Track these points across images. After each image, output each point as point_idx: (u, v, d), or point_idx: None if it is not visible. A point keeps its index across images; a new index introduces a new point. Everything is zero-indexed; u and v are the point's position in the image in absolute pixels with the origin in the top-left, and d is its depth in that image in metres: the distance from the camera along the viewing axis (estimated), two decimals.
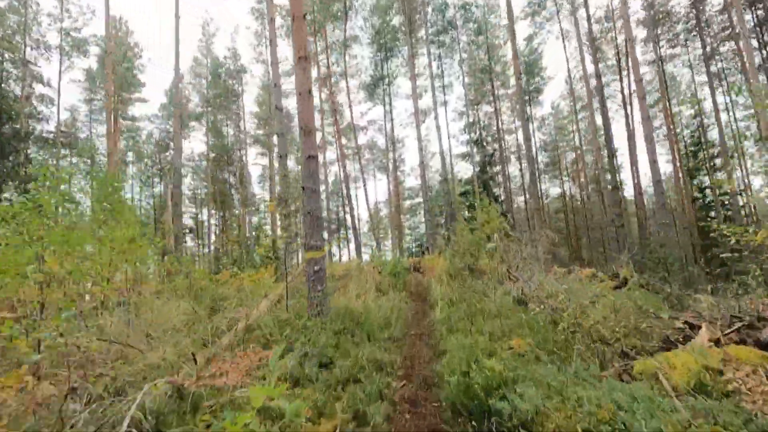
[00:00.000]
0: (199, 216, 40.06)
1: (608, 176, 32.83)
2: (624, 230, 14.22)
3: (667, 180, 42.60)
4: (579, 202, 39.52)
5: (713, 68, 23.89)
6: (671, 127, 26.98)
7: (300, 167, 5.55)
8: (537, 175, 11.39)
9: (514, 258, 8.21)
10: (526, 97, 27.49)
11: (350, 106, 23.11)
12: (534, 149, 30.28)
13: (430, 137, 33.46)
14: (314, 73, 24.34)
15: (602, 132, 15.78)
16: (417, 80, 23.64)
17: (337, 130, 22.73)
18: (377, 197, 41.95)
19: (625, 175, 46.58)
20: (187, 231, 38.25)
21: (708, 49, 22.26)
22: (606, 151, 16.02)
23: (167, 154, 35.19)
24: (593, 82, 16.75)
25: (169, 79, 28.12)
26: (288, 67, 25.09)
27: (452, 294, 7.57)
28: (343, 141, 29.71)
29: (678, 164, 27.82)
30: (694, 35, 21.50)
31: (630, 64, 22.07)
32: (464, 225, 11.78)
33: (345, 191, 23.65)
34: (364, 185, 22.76)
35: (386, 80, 25.75)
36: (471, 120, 27.15)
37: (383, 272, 9.00)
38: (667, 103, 24.04)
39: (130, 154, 36.00)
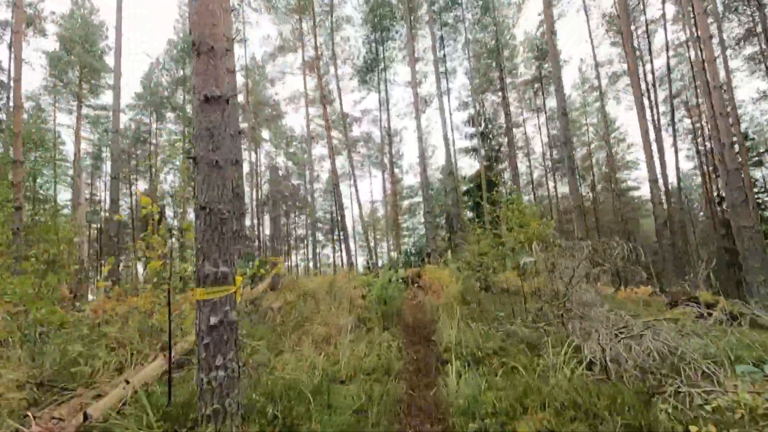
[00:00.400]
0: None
1: (620, 173, 29.97)
2: (675, 237, 11.55)
3: (684, 178, 40.00)
4: (589, 202, 36.91)
5: (748, 50, 21.30)
6: (697, 118, 24.34)
7: (194, 119, 2.62)
8: (574, 161, 8.66)
9: (562, 277, 5.49)
10: (537, 85, 24.87)
11: (339, 92, 20.38)
12: (560, 138, 27.56)
13: (431, 129, 30.81)
14: (299, 57, 21.65)
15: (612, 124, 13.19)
16: (417, 64, 20.98)
17: (326, 119, 20.00)
18: (373, 196, 39.26)
19: (637, 174, 43.89)
20: (170, 234, 35.33)
21: (746, 28, 19.66)
22: (642, 140, 13.33)
23: (146, 148, 32.40)
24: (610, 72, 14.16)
25: (145, 65, 25.41)
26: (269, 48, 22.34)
27: (472, 339, 4.83)
28: (336, 134, 27.04)
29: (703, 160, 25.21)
30: (739, 7, 18.76)
31: (666, 32, 18.88)
32: (479, 230, 9.09)
33: (335, 189, 20.93)
34: (355, 182, 20.02)
35: (382, 64, 23.07)
36: (477, 110, 24.47)
37: (369, 296, 6.27)
38: (697, 91, 21.38)
39: (104, 149, 33.22)
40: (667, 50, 14.09)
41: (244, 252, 7.34)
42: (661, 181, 20.08)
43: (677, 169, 15.75)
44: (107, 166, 35.56)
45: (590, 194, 37.03)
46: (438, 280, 9.71)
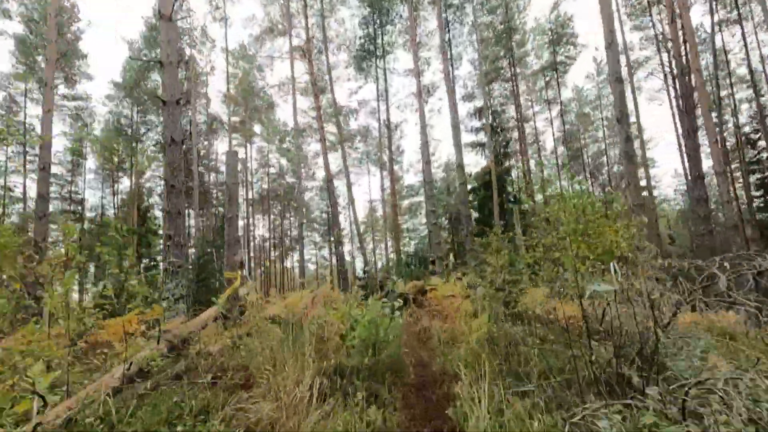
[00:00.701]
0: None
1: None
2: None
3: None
4: (601, 202, 34.86)
5: None
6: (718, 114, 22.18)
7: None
8: (632, 141, 6.67)
9: (655, 314, 3.40)
10: (549, 75, 22.73)
11: (331, 80, 18.28)
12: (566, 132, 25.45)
13: (433, 123, 28.74)
14: (286, 41, 19.54)
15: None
16: (419, 51, 18.91)
17: (318, 107, 17.90)
18: (371, 195, 37.15)
19: (654, 171, 41.95)
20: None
21: None
22: (685, 127, 11.24)
23: (128, 142, 30.22)
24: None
25: (125, 51, 23.38)
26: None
27: None
28: (331, 128, 24.98)
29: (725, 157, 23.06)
30: None
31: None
32: (498, 235, 7.03)
33: (328, 186, 18.87)
34: (349, 180, 17.91)
35: (381, 50, 20.98)
36: (484, 101, 22.35)
37: (350, 337, 4.17)
38: (731, 79, 19.25)
39: (86, 143, 31.12)
40: (713, 29, 11.86)
41: (177, 267, 5.24)
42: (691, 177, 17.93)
43: (727, 164, 13.60)
44: (90, 162, 33.52)
45: (601, 194, 34.94)
46: (448, 300, 7.62)
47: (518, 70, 23.45)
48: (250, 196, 33.96)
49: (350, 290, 17.03)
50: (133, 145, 29.10)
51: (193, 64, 19.69)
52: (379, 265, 36.69)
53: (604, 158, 31.68)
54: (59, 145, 30.72)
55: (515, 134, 25.52)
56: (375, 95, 21.90)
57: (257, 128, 31.43)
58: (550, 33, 21.39)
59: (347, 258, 36.22)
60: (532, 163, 24.62)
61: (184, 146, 25.63)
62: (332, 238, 35.95)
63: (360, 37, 20.53)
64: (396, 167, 28.77)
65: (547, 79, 23.80)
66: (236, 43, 29.08)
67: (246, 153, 31.65)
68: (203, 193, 29.24)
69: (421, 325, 7.05)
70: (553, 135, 26.17)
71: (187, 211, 31.43)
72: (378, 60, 21.24)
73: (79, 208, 33.08)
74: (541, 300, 6.69)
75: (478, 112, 24.49)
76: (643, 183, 27.85)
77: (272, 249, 40.32)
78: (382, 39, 21.05)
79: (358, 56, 20.88)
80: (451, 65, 20.36)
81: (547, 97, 24.60)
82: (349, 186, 16.12)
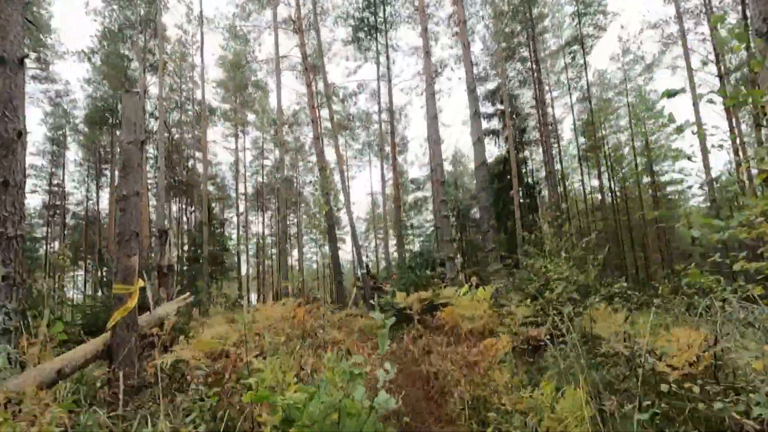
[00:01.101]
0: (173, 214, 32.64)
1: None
2: None
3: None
4: (621, 199, 32.14)
5: None
6: None
7: None
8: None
9: None
10: (576, 47, 20.11)
11: (321, 54, 15.82)
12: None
13: (441, 106, 26.14)
14: (270, 14, 17.09)
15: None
16: (427, 23, 16.40)
17: (308, 84, 15.49)
18: (373, 189, 34.62)
19: (681, 165, 39.03)
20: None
21: None
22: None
23: (113, 134, 27.97)
24: None
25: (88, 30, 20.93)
26: None
27: None
28: (325, 114, 22.55)
29: None
30: None
31: None
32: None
33: (321, 174, 16.49)
34: (341, 165, 15.48)
35: (383, 23, 18.48)
36: (500, 82, 19.85)
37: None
38: None
39: (69, 132, 29.00)
40: None
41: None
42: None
43: None
44: (73, 153, 31.40)
45: (623, 189, 32.24)
46: (470, 322, 5.16)
47: (538, 46, 20.86)
48: (242, 191, 31.72)
49: (347, 294, 14.77)
50: (118, 133, 26.87)
51: (163, 31, 17.27)
52: (383, 264, 34.22)
53: (627, 149, 28.95)
54: (38, 134, 28.66)
55: (531, 123, 22.98)
56: (375, 75, 19.46)
57: (251, 117, 29.14)
58: (575, 2, 18.78)
59: (348, 257, 33.68)
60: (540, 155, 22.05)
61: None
62: (326, 236, 33.39)
63: (359, 1, 18.03)
64: (400, 159, 26.32)
65: (570, 57, 21.19)
66: (214, 9, 26.72)
67: (237, 143, 29.41)
68: (191, 185, 26.98)
69: (428, 365, 4.62)
70: (574, 122, 23.54)
71: (177, 205, 29.17)
72: (380, 34, 18.77)
73: (63, 202, 31.04)
74: (625, 328, 4.20)
75: (492, 95, 21.98)
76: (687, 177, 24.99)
77: (263, 249, 38.00)
78: (384, 11, 18.57)
79: (356, 27, 18.40)
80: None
81: (568, 78, 22.00)
82: (342, 175, 13.74)
